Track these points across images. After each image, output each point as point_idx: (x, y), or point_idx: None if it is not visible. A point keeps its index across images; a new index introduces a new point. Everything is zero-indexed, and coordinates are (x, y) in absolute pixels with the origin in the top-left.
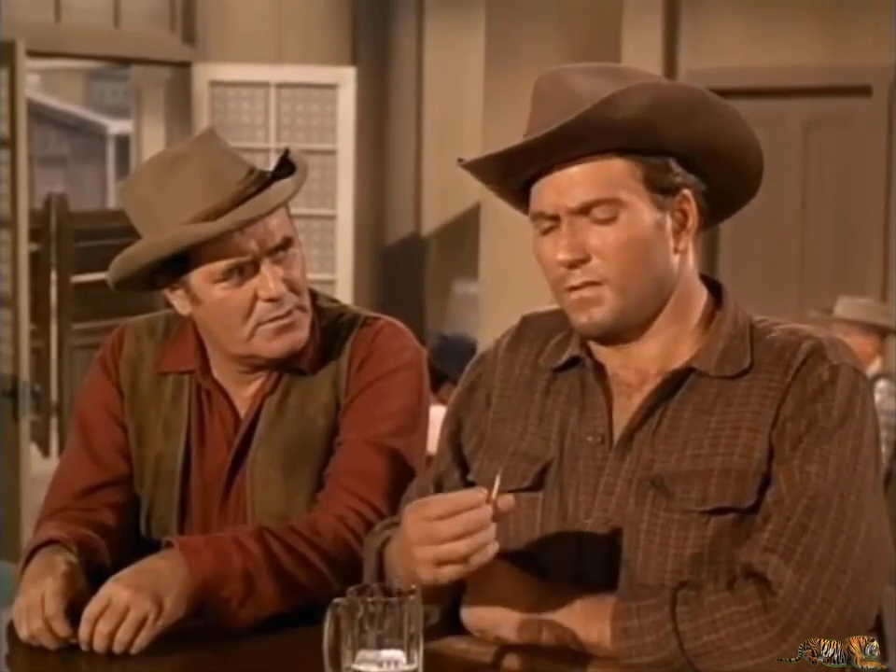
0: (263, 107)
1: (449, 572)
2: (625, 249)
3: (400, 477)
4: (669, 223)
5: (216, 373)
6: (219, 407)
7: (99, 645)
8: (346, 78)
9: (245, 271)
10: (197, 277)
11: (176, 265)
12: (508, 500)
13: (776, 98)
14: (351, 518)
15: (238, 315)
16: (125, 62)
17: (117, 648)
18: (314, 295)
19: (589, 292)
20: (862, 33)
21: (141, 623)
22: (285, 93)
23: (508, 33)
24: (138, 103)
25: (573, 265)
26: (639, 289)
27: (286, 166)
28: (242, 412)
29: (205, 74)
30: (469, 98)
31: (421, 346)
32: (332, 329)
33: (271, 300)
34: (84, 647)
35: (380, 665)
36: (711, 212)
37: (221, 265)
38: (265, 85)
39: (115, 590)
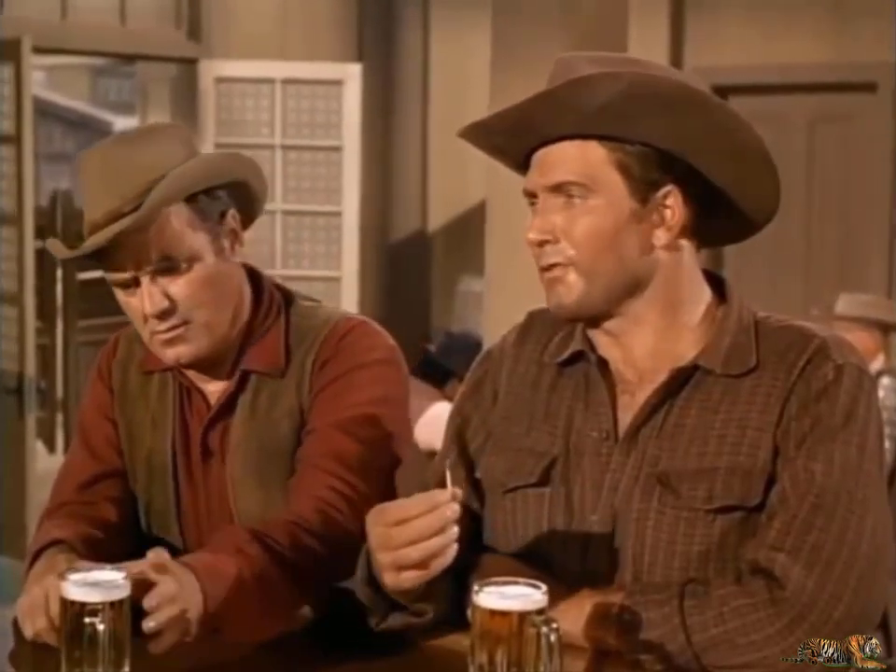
0: (269, 104)
1: (410, 577)
2: (592, 234)
3: (372, 458)
4: (648, 216)
5: (187, 371)
6: (196, 403)
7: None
8: (352, 75)
9: (130, 284)
10: (105, 276)
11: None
12: (456, 493)
13: (780, 95)
14: (329, 495)
15: (137, 320)
16: (131, 58)
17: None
18: (288, 295)
19: (557, 272)
20: (867, 29)
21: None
22: (290, 90)
23: (513, 30)
24: (144, 99)
25: (541, 244)
26: (606, 276)
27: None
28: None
29: (211, 70)
30: (474, 95)
31: (395, 344)
32: (303, 331)
33: (148, 316)
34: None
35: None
36: (727, 231)
37: (108, 276)
38: (270, 81)
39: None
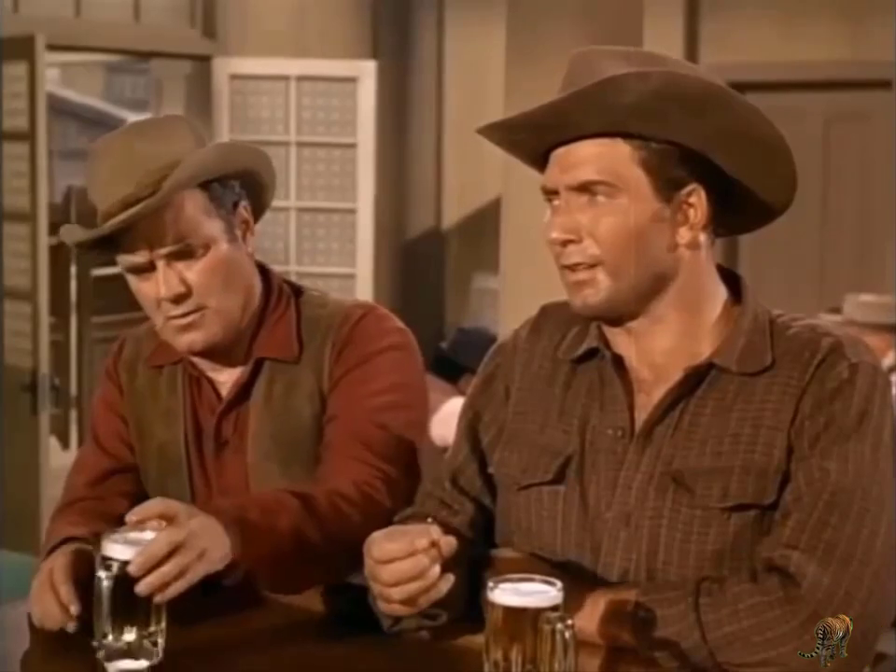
0: (283, 101)
1: (399, 609)
2: (618, 233)
3: (398, 445)
4: (672, 215)
5: (198, 360)
6: (207, 393)
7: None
8: (366, 72)
9: (145, 269)
10: (120, 262)
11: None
12: (450, 543)
13: (796, 92)
14: (367, 478)
15: (150, 306)
16: (145, 55)
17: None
18: (296, 287)
19: (584, 274)
20: (882, 27)
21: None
22: (305, 87)
23: (528, 27)
24: (158, 96)
25: (564, 244)
26: (632, 275)
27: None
28: (224, 395)
29: (225, 67)
30: (489, 92)
31: (406, 327)
32: (315, 319)
33: (163, 300)
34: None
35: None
36: (742, 220)
37: (122, 260)
38: (285, 78)
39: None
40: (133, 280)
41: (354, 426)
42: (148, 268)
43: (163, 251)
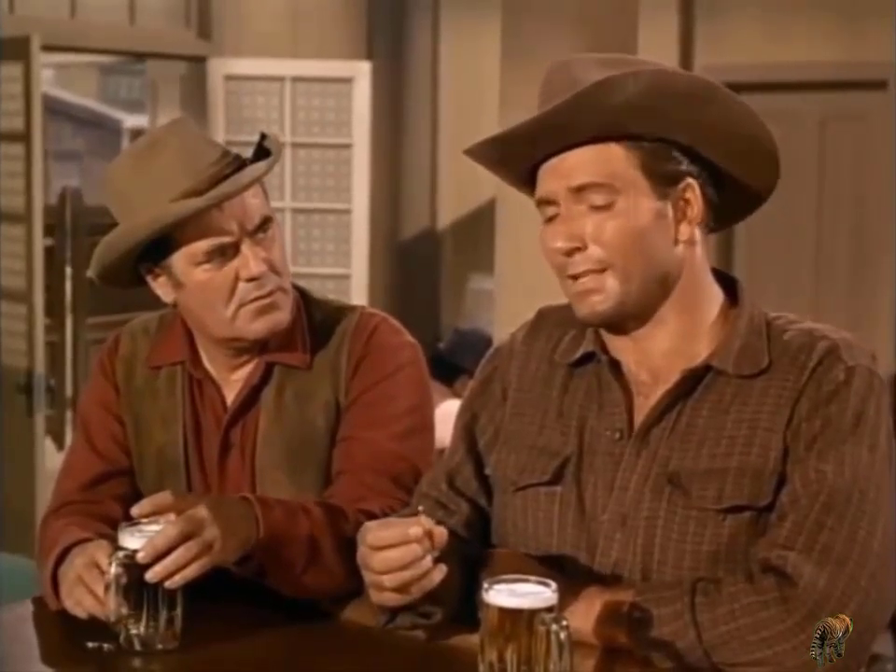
0: (278, 102)
1: (390, 598)
2: (623, 236)
3: (417, 476)
4: (671, 212)
5: (205, 362)
6: (210, 395)
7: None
8: (362, 73)
9: (226, 252)
10: (179, 260)
11: (158, 251)
12: (443, 534)
13: (791, 93)
14: (396, 508)
15: (221, 296)
16: (140, 56)
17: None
18: (303, 291)
19: (591, 282)
20: (878, 27)
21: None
22: (300, 88)
23: (523, 28)
24: (153, 97)
25: (570, 253)
26: (641, 276)
27: (262, 152)
28: (229, 398)
29: (220, 68)
30: (484, 92)
31: (416, 341)
32: (326, 324)
33: (252, 279)
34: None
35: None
36: (729, 209)
37: (203, 246)
38: (280, 79)
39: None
40: (198, 273)
41: (376, 452)
42: (231, 250)
43: (251, 227)
